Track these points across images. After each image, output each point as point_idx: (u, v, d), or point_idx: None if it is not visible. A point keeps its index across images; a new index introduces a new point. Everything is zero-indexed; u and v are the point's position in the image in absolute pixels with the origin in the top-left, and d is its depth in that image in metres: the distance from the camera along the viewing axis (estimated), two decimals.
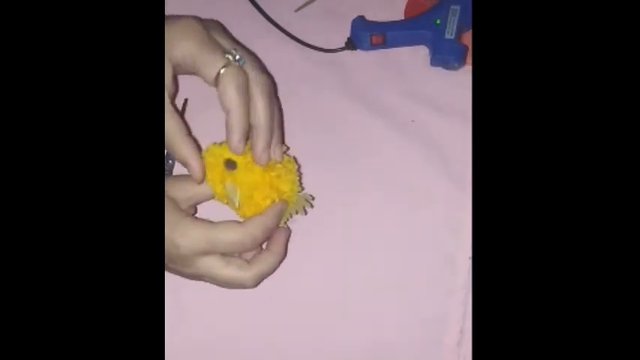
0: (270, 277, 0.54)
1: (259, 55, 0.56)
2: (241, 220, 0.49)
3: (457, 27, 0.54)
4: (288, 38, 0.62)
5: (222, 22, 0.54)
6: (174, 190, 0.48)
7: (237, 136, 0.45)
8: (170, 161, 0.57)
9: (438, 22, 0.55)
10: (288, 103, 0.60)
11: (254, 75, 0.46)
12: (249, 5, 0.63)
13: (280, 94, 0.60)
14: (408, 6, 0.61)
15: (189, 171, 0.47)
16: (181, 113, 0.57)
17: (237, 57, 0.44)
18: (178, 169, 0.57)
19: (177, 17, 0.45)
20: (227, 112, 0.44)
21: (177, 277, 0.52)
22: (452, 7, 0.55)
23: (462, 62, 0.55)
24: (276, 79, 0.55)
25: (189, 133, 0.46)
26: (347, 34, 0.61)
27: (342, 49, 0.61)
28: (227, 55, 0.44)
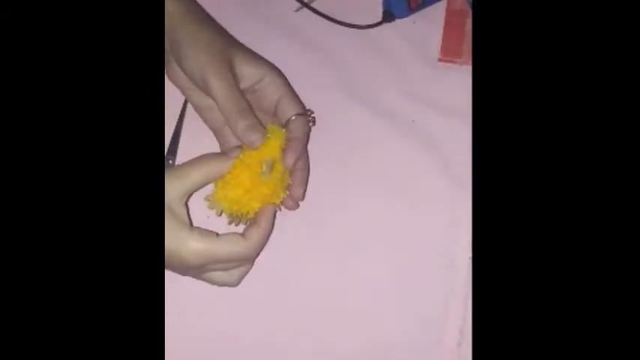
0: (270, 277, 0.54)
1: (259, 54, 0.55)
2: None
3: None
4: (287, 37, 0.61)
5: (223, 21, 0.55)
6: (168, 193, 0.47)
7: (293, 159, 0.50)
8: (170, 161, 0.57)
9: None
10: None
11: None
12: (250, 4, 0.63)
13: None
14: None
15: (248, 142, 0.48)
16: (182, 114, 0.58)
17: (310, 112, 0.53)
18: None
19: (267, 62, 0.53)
20: (288, 149, 0.50)
21: (177, 279, 0.52)
22: None
23: None
24: None
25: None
26: (347, 33, 0.61)
27: (380, 23, 0.61)
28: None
